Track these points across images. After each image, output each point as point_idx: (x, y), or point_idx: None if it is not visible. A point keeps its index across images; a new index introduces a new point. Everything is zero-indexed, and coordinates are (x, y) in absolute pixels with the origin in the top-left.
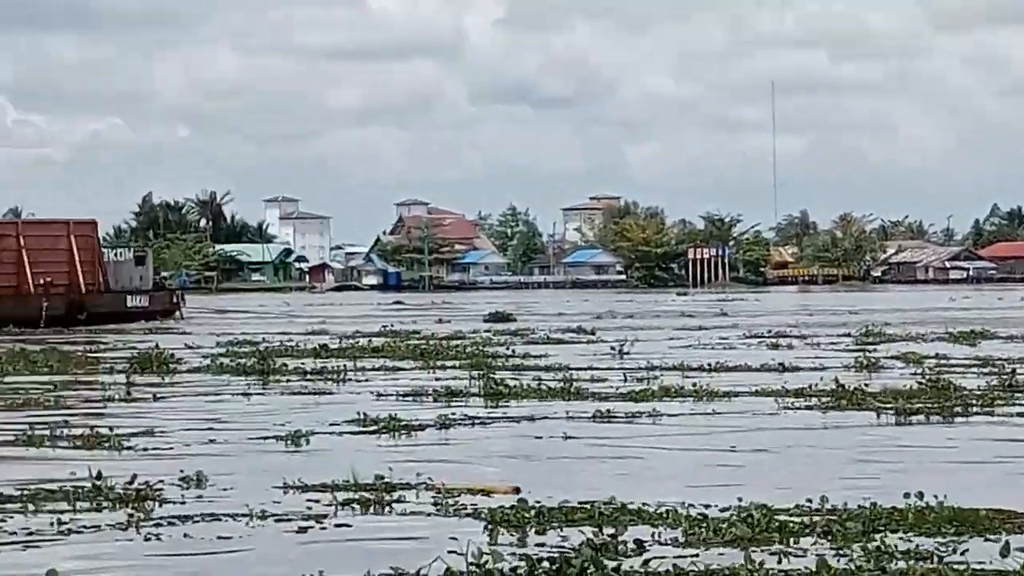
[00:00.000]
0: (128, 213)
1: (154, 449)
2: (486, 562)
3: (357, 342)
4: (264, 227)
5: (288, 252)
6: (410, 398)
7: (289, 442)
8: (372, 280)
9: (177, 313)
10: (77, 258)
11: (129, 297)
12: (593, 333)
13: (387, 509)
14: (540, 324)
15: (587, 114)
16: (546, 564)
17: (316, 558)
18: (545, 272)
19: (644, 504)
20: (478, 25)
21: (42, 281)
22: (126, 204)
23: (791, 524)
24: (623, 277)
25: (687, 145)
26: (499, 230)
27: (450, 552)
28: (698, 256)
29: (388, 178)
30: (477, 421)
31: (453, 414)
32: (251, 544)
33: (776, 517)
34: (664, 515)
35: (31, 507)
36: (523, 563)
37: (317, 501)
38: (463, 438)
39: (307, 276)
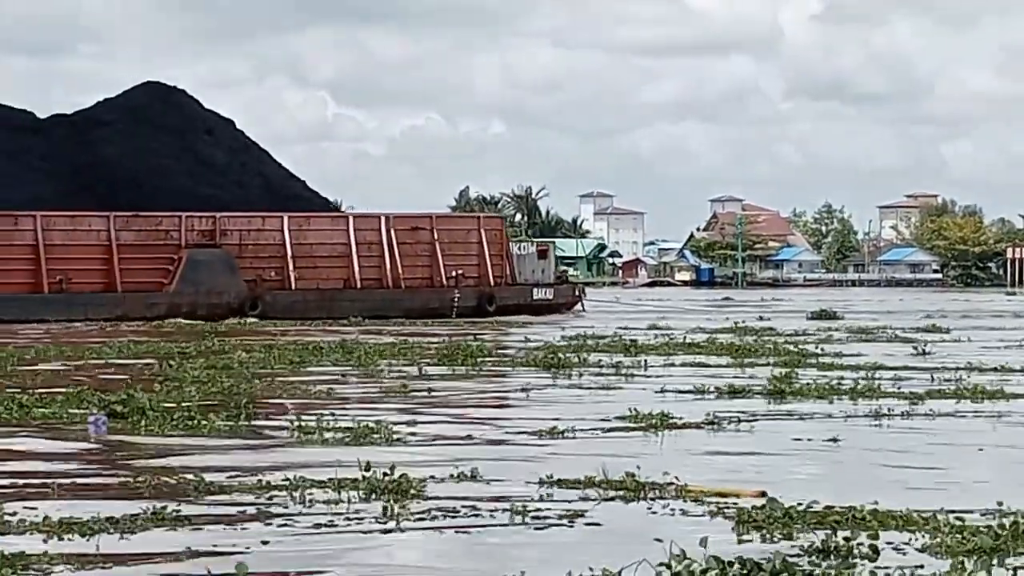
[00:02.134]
0: (445, 207)
1: (417, 444)
2: (687, 566)
3: (672, 338)
4: (579, 222)
5: (602, 247)
6: (691, 395)
7: (547, 437)
8: (684, 276)
9: (578, 306)
10: (487, 252)
11: (535, 290)
12: (948, 332)
13: (643, 508)
14: (871, 323)
15: (904, 111)
16: (737, 568)
17: (541, 555)
18: (859, 270)
19: (902, 509)
20: (794, 20)
21: (454, 274)
22: (442, 198)
23: None
24: (939, 276)
25: (1007, 142)
26: (813, 227)
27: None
28: (1017, 255)
29: (702, 174)
30: (746, 420)
31: (727, 412)
32: (493, 538)
33: None
34: (921, 521)
35: (295, 495)
36: (715, 565)
37: (583, 498)
38: (727, 437)
39: (619, 271)
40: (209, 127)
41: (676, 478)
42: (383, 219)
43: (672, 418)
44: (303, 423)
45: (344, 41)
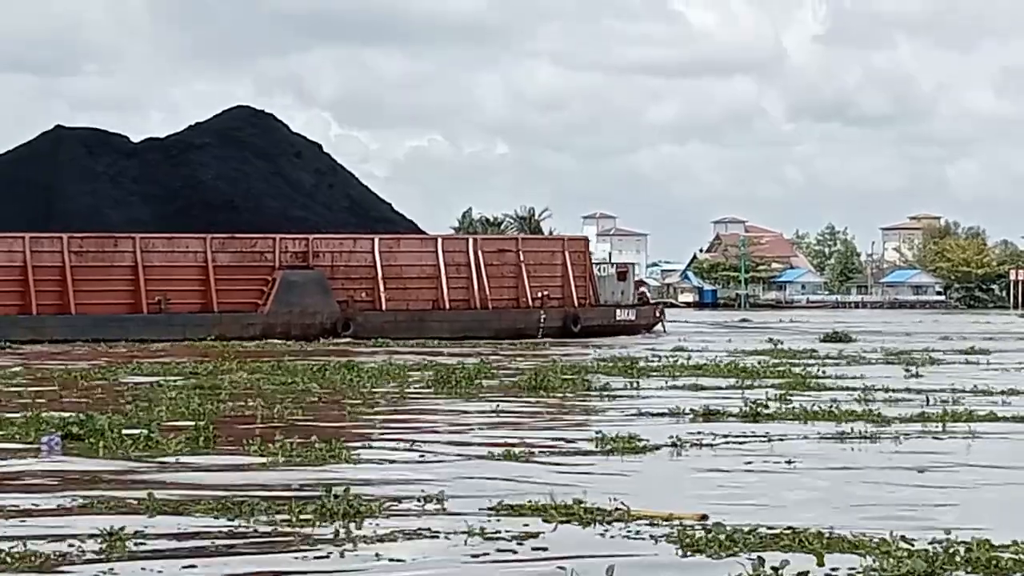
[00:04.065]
0: (448, 228)
1: (366, 462)
2: None
3: (676, 360)
4: None
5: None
6: (666, 417)
7: (504, 459)
8: (688, 297)
9: (659, 326)
10: (571, 273)
11: (618, 311)
12: (987, 354)
13: (595, 530)
14: (889, 345)
15: (907, 132)
16: None
17: None
18: (862, 292)
19: (849, 532)
20: (797, 42)
21: (539, 295)
22: (446, 220)
23: (1001, 560)
24: (942, 298)
25: (1010, 163)
26: (817, 249)
27: None
28: (1021, 277)
29: (705, 195)
30: (708, 443)
31: (697, 434)
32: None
33: (994, 553)
34: (870, 545)
35: (242, 513)
36: None
37: (546, 520)
38: (686, 460)
39: None
40: (297, 150)
41: (622, 502)
42: (471, 241)
43: (637, 440)
44: (257, 444)
45: (347, 62)
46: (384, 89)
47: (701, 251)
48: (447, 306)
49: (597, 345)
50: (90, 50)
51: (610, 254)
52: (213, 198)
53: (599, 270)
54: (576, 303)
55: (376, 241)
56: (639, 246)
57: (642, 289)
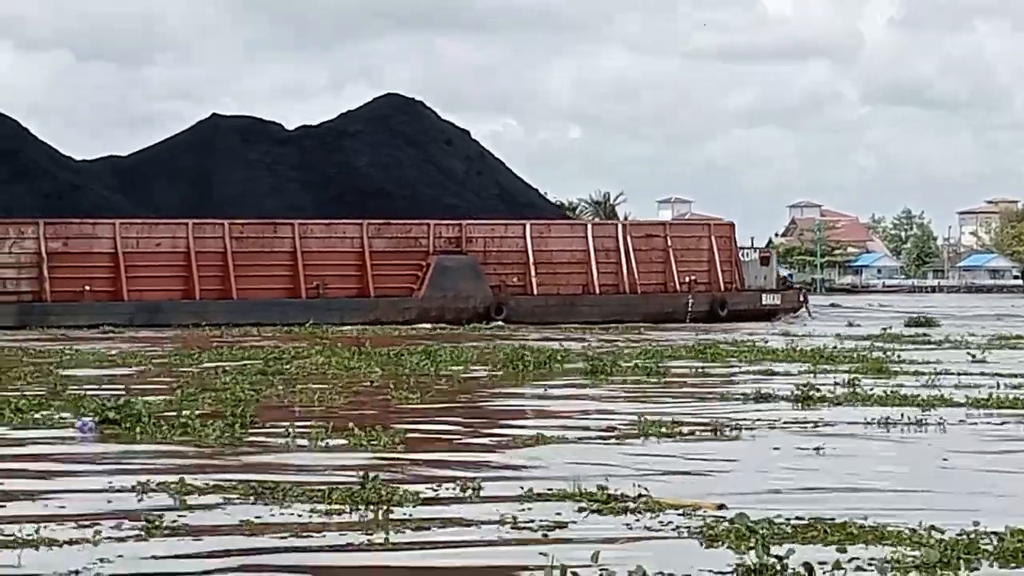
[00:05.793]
0: None
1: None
2: None
3: (758, 343)
4: None
5: None
6: (717, 401)
7: (535, 444)
8: None
9: (803, 310)
10: (717, 258)
11: (763, 295)
12: None
13: (621, 520)
14: (985, 331)
15: (984, 116)
16: None
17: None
18: (939, 276)
19: (876, 523)
20: (873, 25)
21: (687, 279)
22: None
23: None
24: (1019, 282)
25: None
26: (893, 233)
27: None
28: None
29: (780, 180)
30: (750, 426)
31: (740, 418)
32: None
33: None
34: (902, 535)
35: (287, 501)
36: None
37: (581, 509)
38: (720, 444)
39: None
40: (448, 137)
41: (645, 489)
42: (619, 227)
43: (679, 424)
44: (295, 433)
45: (421, 48)
46: (459, 75)
47: (777, 235)
48: (597, 291)
49: (742, 329)
50: (164, 40)
51: (752, 239)
52: (366, 185)
53: (743, 255)
54: (723, 287)
55: (527, 227)
56: None
57: (784, 274)
